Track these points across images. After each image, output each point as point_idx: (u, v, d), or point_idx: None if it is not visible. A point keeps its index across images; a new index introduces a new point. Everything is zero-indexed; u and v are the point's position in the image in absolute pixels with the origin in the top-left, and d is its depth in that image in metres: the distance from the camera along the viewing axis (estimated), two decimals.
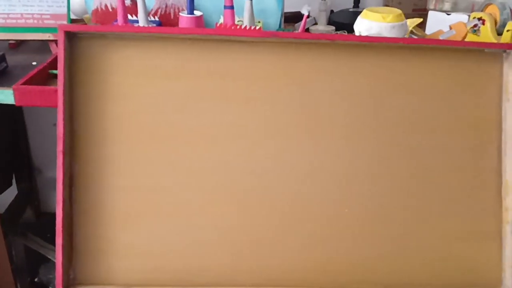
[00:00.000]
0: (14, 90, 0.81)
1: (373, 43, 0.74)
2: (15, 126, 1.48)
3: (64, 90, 0.69)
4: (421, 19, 1.00)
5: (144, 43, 0.73)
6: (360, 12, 0.93)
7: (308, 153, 0.76)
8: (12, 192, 1.47)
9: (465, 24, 0.99)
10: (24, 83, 0.82)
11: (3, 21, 0.98)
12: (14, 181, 1.50)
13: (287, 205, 0.76)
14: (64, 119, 0.70)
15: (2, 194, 1.34)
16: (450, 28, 0.99)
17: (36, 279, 1.41)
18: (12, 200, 1.46)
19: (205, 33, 0.74)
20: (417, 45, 0.75)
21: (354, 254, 0.77)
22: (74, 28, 0.70)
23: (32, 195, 1.59)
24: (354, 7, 1.35)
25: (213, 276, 0.76)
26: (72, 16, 1.11)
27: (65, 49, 0.70)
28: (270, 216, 0.76)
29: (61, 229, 0.70)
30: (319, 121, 0.76)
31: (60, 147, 0.69)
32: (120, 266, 0.75)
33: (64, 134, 0.70)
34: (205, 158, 0.75)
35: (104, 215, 0.74)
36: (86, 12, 1.15)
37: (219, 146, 0.75)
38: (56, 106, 0.70)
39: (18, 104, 0.82)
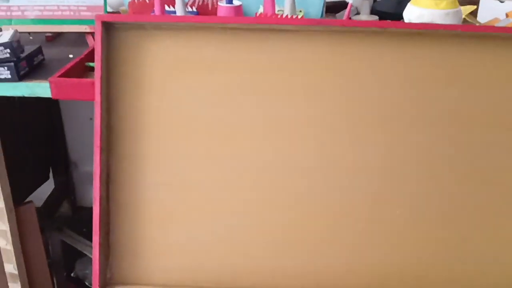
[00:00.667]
0: (50, 82, 0.80)
1: (427, 31, 0.69)
2: (52, 120, 1.49)
3: (101, 82, 0.67)
4: (475, 7, 0.94)
5: (183, 33, 0.70)
6: (406, 0, 0.87)
7: (355, 149, 0.72)
8: (49, 186, 1.48)
9: None
10: (60, 76, 0.81)
11: (40, 13, 0.97)
12: (51, 175, 1.51)
13: (333, 205, 0.72)
14: (101, 113, 0.68)
15: (40, 187, 1.34)
16: (507, 15, 0.92)
17: (72, 274, 1.42)
18: (49, 194, 1.47)
19: (247, 21, 0.70)
20: (475, 33, 0.70)
21: (406, 258, 0.73)
22: (112, 18, 0.69)
23: (68, 189, 1.60)
24: None
25: (253, 277, 0.73)
26: (108, 9, 1.09)
27: (102, 40, 0.67)
28: (313, 216, 0.73)
29: (98, 227, 0.68)
30: (367, 115, 0.71)
31: (97, 142, 0.68)
32: (157, 266, 0.73)
33: (101, 128, 0.68)
34: (246, 154, 0.72)
35: (141, 213, 0.72)
36: (122, 4, 1.13)
37: (260, 142, 0.72)
38: (92, 99, 0.68)
39: (54, 97, 0.81)
